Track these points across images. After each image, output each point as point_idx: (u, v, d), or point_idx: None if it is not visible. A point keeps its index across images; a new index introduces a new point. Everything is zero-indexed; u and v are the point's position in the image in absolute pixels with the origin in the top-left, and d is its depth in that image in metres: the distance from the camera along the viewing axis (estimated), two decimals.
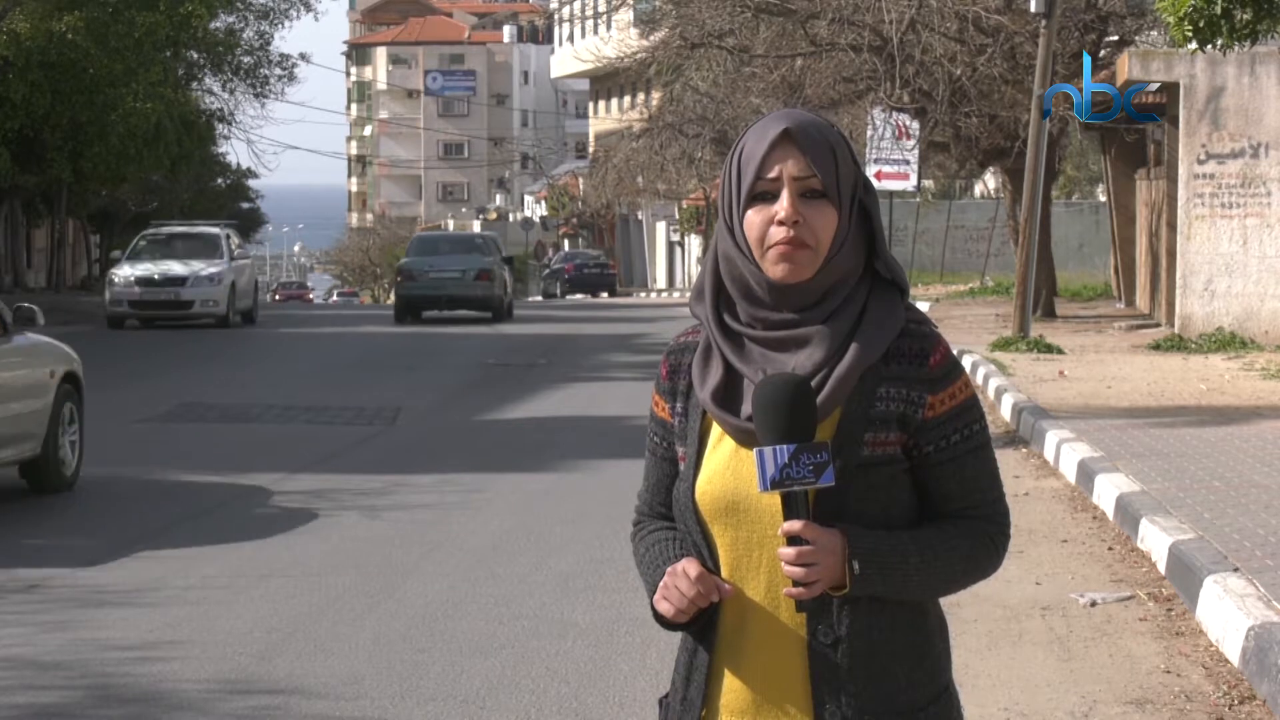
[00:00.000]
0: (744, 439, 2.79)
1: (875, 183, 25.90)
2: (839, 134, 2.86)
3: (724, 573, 2.83)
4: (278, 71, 45.53)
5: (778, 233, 2.78)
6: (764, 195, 2.81)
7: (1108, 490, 10.74)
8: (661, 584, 2.81)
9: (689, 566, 2.78)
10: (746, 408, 2.80)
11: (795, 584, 2.71)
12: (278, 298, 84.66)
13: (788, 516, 2.71)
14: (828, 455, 2.69)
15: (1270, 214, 22.03)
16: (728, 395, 2.84)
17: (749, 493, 2.77)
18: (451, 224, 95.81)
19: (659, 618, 2.84)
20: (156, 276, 31.07)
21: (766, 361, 2.81)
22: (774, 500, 2.73)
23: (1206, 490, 10.45)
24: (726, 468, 2.82)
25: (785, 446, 2.69)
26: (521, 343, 28.11)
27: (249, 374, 22.25)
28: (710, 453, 2.86)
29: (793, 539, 2.70)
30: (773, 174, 2.80)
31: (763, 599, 2.80)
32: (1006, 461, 12.54)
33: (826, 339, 2.79)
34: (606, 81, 73.77)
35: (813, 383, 2.76)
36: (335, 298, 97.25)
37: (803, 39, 28.63)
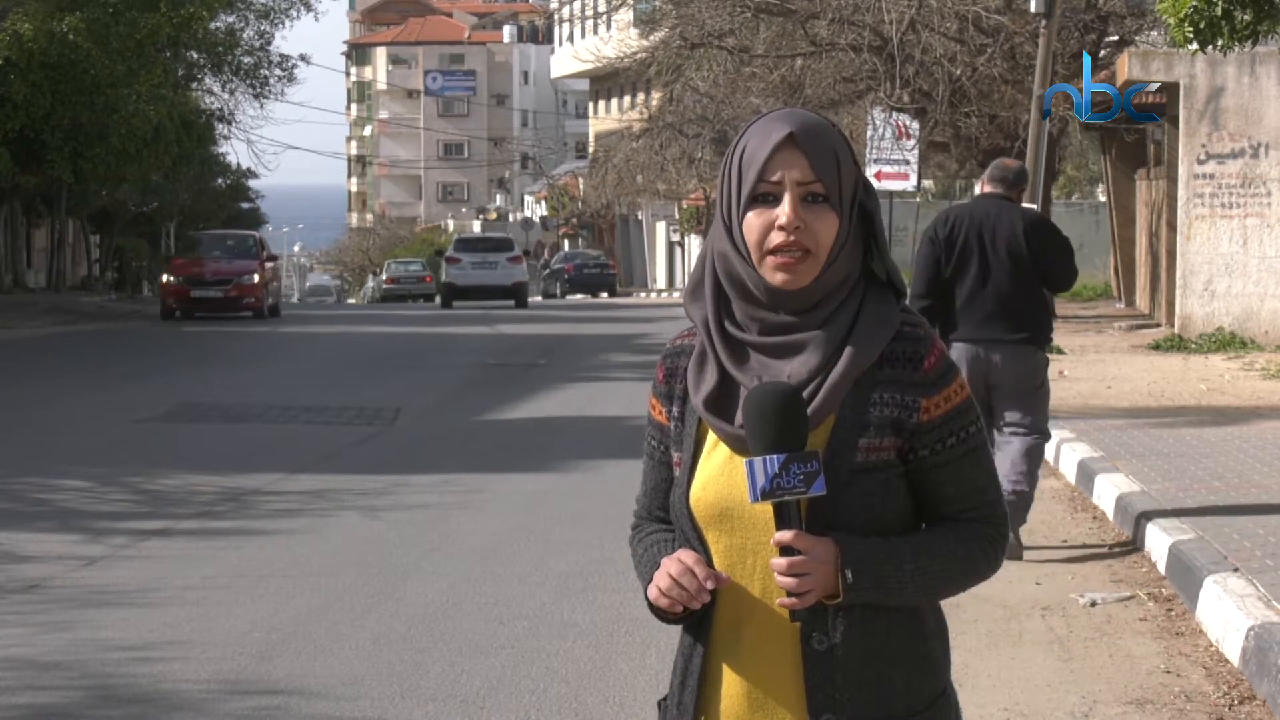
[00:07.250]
0: (738, 446, 2.78)
1: (875, 183, 25.89)
2: (840, 135, 2.83)
3: None
4: (278, 72, 45.50)
5: (778, 238, 2.76)
6: (764, 198, 2.78)
7: (1108, 490, 10.74)
8: (656, 573, 2.79)
9: (684, 554, 2.77)
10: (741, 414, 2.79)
11: (788, 594, 2.70)
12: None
13: (779, 526, 2.70)
14: (818, 465, 2.68)
15: (1270, 214, 22.03)
16: (722, 401, 2.82)
17: (742, 499, 2.75)
18: (451, 224, 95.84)
19: (655, 609, 2.82)
20: None
21: (763, 368, 2.80)
22: (767, 507, 2.72)
23: (1206, 490, 10.45)
24: (721, 474, 2.81)
25: (775, 456, 2.67)
26: (521, 343, 28.10)
27: (249, 374, 22.24)
28: (705, 458, 2.84)
29: (785, 549, 2.70)
30: (775, 177, 2.77)
31: (757, 605, 2.79)
32: None
33: (822, 344, 2.78)
34: (606, 81, 73.73)
35: (806, 390, 2.75)
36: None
37: (803, 39, 28.63)
